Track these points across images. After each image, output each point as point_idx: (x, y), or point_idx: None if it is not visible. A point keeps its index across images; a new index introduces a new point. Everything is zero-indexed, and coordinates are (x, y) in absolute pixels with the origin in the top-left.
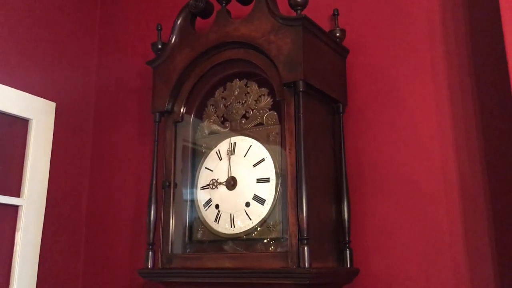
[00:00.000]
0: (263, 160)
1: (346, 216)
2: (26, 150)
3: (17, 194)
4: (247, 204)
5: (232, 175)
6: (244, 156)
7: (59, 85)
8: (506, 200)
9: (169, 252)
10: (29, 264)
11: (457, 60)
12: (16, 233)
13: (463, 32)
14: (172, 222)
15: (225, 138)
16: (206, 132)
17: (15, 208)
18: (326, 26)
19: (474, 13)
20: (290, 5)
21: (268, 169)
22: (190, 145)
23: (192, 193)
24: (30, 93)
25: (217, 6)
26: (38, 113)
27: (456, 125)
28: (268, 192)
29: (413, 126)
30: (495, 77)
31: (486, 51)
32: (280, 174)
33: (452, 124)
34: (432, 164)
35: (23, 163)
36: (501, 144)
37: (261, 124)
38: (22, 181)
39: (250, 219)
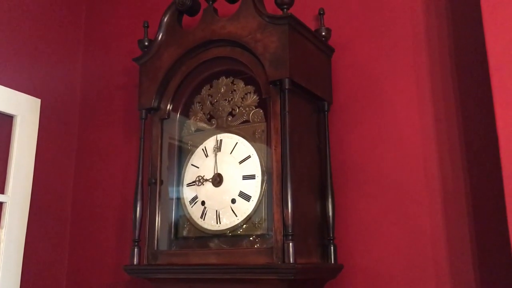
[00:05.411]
0: (249, 157)
1: (330, 213)
2: (10, 147)
3: (1, 191)
4: (233, 201)
5: (218, 172)
6: (230, 153)
7: (44, 81)
8: (486, 197)
9: (155, 249)
10: (13, 261)
11: (440, 59)
12: (0, 230)
13: (445, 32)
14: (158, 219)
15: (211, 135)
16: (193, 129)
17: None
18: (312, 25)
19: (457, 13)
20: (276, 3)
21: (254, 166)
22: (176, 142)
23: (178, 190)
24: (15, 89)
25: (204, 4)
26: (23, 110)
27: (438, 124)
28: (254, 189)
29: (396, 124)
30: (477, 76)
31: (468, 50)
32: (266, 171)
33: (434, 123)
34: (414, 162)
35: (7, 159)
36: (482, 143)
37: (247, 121)
38: (7, 177)
39: (236, 216)
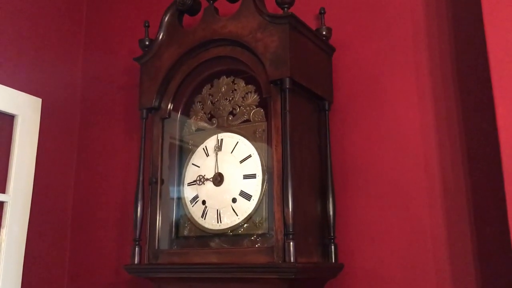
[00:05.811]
0: (249, 156)
1: (331, 212)
2: (11, 146)
3: (3, 190)
4: (234, 200)
5: (219, 171)
6: (231, 152)
7: (45, 81)
8: (487, 197)
9: (156, 248)
10: (15, 261)
11: (440, 58)
12: (1, 229)
13: (445, 32)
14: (158, 218)
15: (212, 135)
16: (193, 128)
17: (0, 205)
18: (312, 24)
19: (457, 13)
20: (277, 3)
21: (255, 165)
22: (177, 141)
23: (179, 190)
24: (16, 89)
25: (204, 3)
26: (24, 109)
27: (438, 123)
28: (255, 188)
29: (396, 124)
30: (477, 76)
31: (469, 49)
32: (267, 170)
33: (434, 122)
34: (414, 162)
35: (8, 159)
36: (482, 142)
37: (248, 120)
38: (8, 177)
39: (237, 215)
